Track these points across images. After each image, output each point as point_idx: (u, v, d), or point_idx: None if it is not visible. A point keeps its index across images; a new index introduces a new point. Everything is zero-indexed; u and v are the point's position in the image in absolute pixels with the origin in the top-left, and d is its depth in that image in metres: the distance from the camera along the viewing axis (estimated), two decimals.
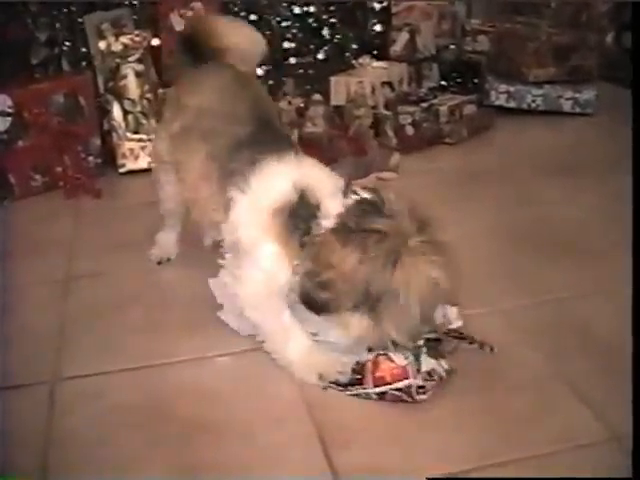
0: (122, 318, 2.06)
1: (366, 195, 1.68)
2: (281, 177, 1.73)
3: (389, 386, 1.65)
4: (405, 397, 1.64)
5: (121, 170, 3.12)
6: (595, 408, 1.65)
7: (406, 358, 1.66)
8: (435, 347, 1.71)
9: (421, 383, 1.64)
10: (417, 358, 1.66)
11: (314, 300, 1.65)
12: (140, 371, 1.84)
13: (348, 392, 1.70)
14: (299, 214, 1.69)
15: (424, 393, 1.65)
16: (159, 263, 2.33)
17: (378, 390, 1.67)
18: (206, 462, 1.54)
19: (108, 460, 1.56)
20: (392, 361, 1.66)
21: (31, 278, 2.29)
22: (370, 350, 1.71)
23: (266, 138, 1.84)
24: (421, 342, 1.68)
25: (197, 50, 2.15)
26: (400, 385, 1.64)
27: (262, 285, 1.75)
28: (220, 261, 1.88)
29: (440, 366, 1.68)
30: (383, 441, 1.59)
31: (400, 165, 3.02)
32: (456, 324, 1.84)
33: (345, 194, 1.70)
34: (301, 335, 1.78)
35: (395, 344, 1.65)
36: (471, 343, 1.82)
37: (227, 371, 1.83)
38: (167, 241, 2.36)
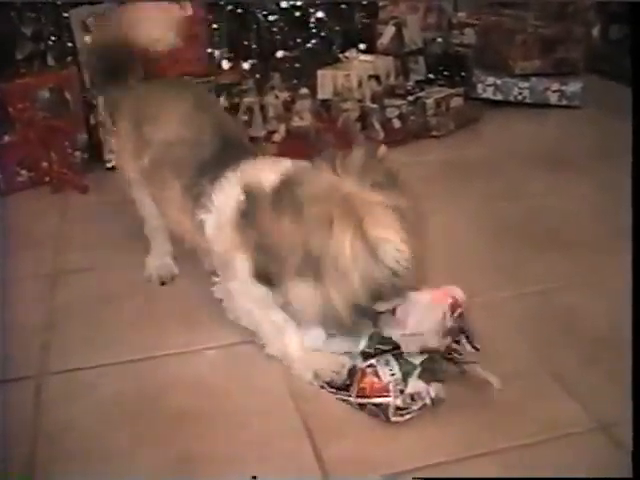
0: (110, 312, 2.07)
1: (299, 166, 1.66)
2: (233, 185, 1.75)
3: (368, 400, 1.63)
4: (381, 415, 1.61)
5: (108, 165, 3.10)
6: (580, 398, 1.67)
7: (392, 374, 1.62)
8: (432, 369, 1.64)
9: (400, 404, 1.60)
10: (405, 377, 1.62)
11: (267, 273, 1.65)
12: (129, 364, 1.84)
13: (337, 396, 1.70)
14: (248, 210, 1.69)
15: (401, 415, 1.60)
16: (163, 284, 2.22)
17: (359, 401, 1.65)
18: (195, 454, 1.55)
19: (97, 453, 1.57)
20: (377, 375, 1.64)
21: (18, 273, 2.28)
22: (363, 355, 1.69)
23: (228, 155, 1.85)
24: (417, 361, 1.64)
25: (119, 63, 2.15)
26: (378, 401, 1.62)
27: (245, 295, 1.78)
28: (214, 278, 1.89)
29: (427, 392, 1.62)
30: (370, 432, 1.60)
31: (387, 158, 3.02)
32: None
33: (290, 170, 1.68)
34: (297, 334, 1.79)
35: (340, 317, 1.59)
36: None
37: (216, 364, 1.84)
38: (163, 259, 2.28)
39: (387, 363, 1.65)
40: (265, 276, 1.67)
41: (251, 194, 1.68)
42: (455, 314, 1.62)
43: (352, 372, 1.70)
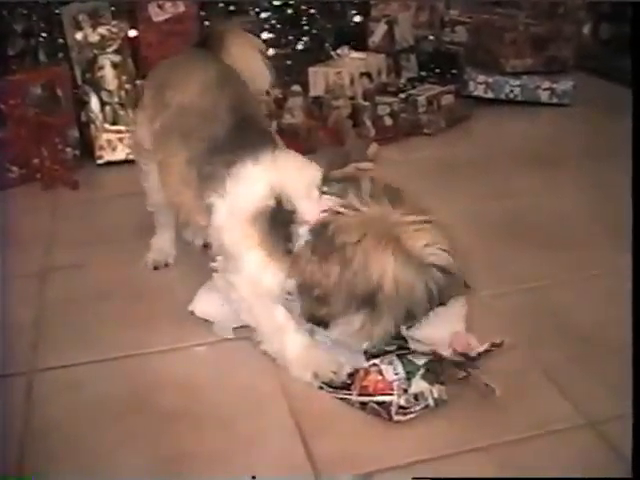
0: (100, 309, 2.06)
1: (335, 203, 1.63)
2: (256, 180, 1.71)
3: (371, 398, 1.61)
4: (384, 413, 1.59)
5: (99, 161, 3.11)
6: (570, 395, 1.67)
7: (396, 374, 1.61)
8: (435, 371, 1.63)
9: (403, 404, 1.58)
10: (409, 377, 1.61)
11: (316, 316, 1.64)
12: (118, 361, 1.84)
13: (336, 395, 1.68)
14: (278, 219, 1.67)
15: (404, 414, 1.59)
16: (155, 268, 2.26)
17: (361, 399, 1.63)
18: (185, 452, 1.54)
19: (86, 450, 1.56)
20: (381, 374, 1.62)
21: (8, 270, 2.27)
22: (366, 354, 1.68)
23: (244, 137, 1.81)
24: (421, 362, 1.63)
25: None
26: (381, 399, 1.60)
27: (250, 289, 1.74)
28: (212, 264, 1.84)
29: (430, 393, 1.61)
30: (361, 428, 1.60)
31: (378, 155, 3.03)
32: (474, 352, 1.69)
33: (321, 191, 1.67)
34: (296, 333, 1.76)
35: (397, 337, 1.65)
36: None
37: (204, 361, 1.84)
38: (163, 244, 2.30)
39: (391, 363, 1.63)
40: (315, 318, 1.66)
41: (283, 211, 1.66)
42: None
43: (354, 371, 1.68)
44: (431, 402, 1.60)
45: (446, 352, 1.64)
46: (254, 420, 1.63)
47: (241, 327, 1.87)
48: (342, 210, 1.60)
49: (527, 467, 1.48)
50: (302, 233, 1.64)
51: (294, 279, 1.65)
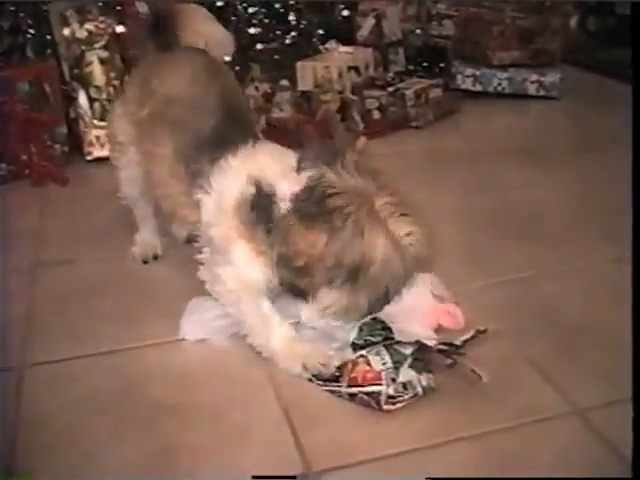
0: (90, 304, 2.06)
1: (319, 171, 1.65)
2: (236, 172, 1.73)
3: (360, 388, 1.62)
4: (373, 403, 1.60)
5: (88, 158, 3.11)
6: (557, 384, 1.68)
7: (384, 364, 1.62)
8: (422, 359, 1.65)
9: (392, 393, 1.59)
10: (397, 367, 1.61)
11: (296, 287, 1.67)
12: (108, 355, 1.85)
13: (325, 387, 1.68)
14: (259, 205, 1.69)
15: (393, 403, 1.60)
16: (145, 262, 2.28)
17: (350, 391, 1.64)
18: (175, 443, 1.55)
19: (78, 444, 1.56)
20: (369, 364, 1.63)
21: None
22: (353, 346, 1.69)
23: (228, 132, 1.82)
24: (408, 351, 1.63)
25: (163, 36, 2.14)
26: (370, 390, 1.61)
27: (237, 282, 1.75)
28: (198, 256, 1.85)
29: (419, 381, 1.62)
30: (350, 419, 1.61)
31: (366, 149, 3.04)
32: (459, 340, 1.71)
33: (298, 170, 1.68)
34: (283, 326, 1.76)
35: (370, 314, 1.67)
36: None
37: (194, 354, 1.84)
38: (147, 237, 2.32)
39: (378, 353, 1.64)
40: (295, 289, 1.68)
41: (263, 195, 1.68)
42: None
43: (342, 363, 1.69)
44: (420, 390, 1.62)
45: (431, 342, 1.66)
46: (243, 411, 1.64)
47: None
48: (327, 175, 1.62)
49: (514, 455, 1.49)
50: (282, 206, 1.65)
51: (273, 249, 1.66)
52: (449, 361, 1.67)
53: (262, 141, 1.85)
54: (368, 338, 1.68)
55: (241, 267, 1.73)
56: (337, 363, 1.69)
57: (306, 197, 1.62)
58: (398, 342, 1.66)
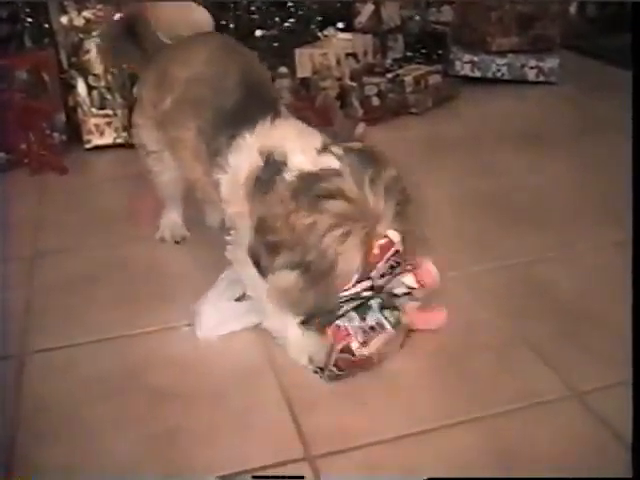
0: (90, 292, 2.06)
1: (342, 166, 1.54)
2: (251, 148, 1.67)
3: (335, 353, 1.62)
4: (349, 356, 1.60)
5: (87, 146, 3.10)
6: (555, 367, 1.69)
7: (349, 320, 1.62)
8: (389, 301, 1.65)
9: (362, 339, 1.60)
10: (364, 317, 1.62)
11: (259, 258, 1.59)
12: (109, 342, 1.85)
13: (322, 376, 1.67)
14: (264, 174, 1.62)
15: (366, 345, 1.61)
16: (177, 242, 2.29)
17: (333, 361, 1.63)
18: (177, 428, 1.55)
19: (79, 429, 1.57)
20: (338, 327, 1.63)
21: None
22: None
23: (248, 109, 1.75)
24: (374, 302, 1.64)
25: (143, 42, 2.14)
26: (341, 346, 1.61)
27: (249, 265, 1.66)
28: (226, 237, 1.80)
29: (386, 319, 1.63)
30: (349, 403, 1.61)
31: (366, 135, 3.03)
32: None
33: (321, 151, 1.59)
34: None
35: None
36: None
37: (194, 340, 1.84)
38: (175, 218, 2.33)
39: (349, 319, 1.63)
40: (258, 259, 1.60)
41: (272, 163, 1.61)
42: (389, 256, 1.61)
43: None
44: (389, 327, 1.63)
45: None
46: (244, 396, 1.64)
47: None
48: (347, 177, 1.53)
49: (514, 439, 1.49)
50: (287, 177, 1.56)
51: (259, 210, 1.59)
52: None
53: (284, 117, 1.77)
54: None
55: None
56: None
57: (313, 183, 1.53)
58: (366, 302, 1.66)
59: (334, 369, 1.65)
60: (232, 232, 1.79)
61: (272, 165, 1.60)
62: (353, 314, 1.64)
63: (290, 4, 3.59)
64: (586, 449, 1.46)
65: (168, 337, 1.84)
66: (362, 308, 1.64)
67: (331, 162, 1.55)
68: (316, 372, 1.70)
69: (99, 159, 3.04)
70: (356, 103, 3.29)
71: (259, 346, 1.78)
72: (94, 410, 1.62)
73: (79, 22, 3.06)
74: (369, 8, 3.76)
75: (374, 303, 1.65)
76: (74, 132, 3.14)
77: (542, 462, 1.44)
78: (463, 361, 1.68)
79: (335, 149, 1.58)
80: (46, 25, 3.17)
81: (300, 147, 1.61)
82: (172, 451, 1.50)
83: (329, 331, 1.65)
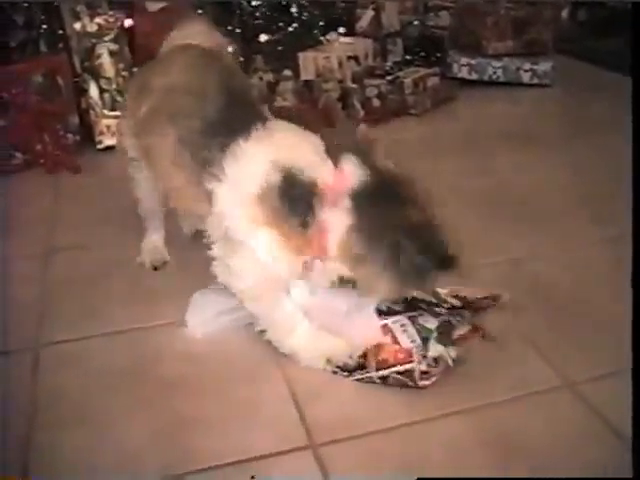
0: (102, 287, 2.06)
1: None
2: (254, 157, 1.60)
3: (392, 369, 1.58)
4: (408, 381, 1.57)
5: (99, 146, 3.10)
6: (549, 358, 1.69)
7: (412, 341, 1.58)
8: (447, 332, 1.61)
9: (425, 369, 1.56)
10: (425, 342, 1.58)
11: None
12: (120, 335, 1.85)
13: (352, 378, 1.64)
14: (292, 195, 1.56)
15: (427, 379, 1.57)
16: (155, 269, 2.15)
17: (380, 374, 1.60)
18: (185, 417, 1.56)
19: (92, 419, 1.57)
20: (398, 343, 1.59)
21: (14, 251, 2.28)
22: (378, 312, 1.64)
23: (236, 116, 1.68)
24: (433, 326, 1.60)
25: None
26: (402, 369, 1.57)
27: (260, 277, 1.65)
28: (209, 252, 1.72)
29: (448, 354, 1.58)
30: (352, 394, 1.61)
31: (367, 136, 3.02)
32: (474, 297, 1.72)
33: (334, 160, 1.59)
34: (304, 321, 1.70)
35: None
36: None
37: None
38: (156, 243, 2.19)
39: (405, 331, 1.60)
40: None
41: (299, 181, 1.56)
42: None
43: (363, 351, 1.64)
44: (450, 362, 1.59)
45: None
46: (249, 388, 1.64)
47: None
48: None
49: (508, 429, 1.49)
50: (338, 201, 1.54)
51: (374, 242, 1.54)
52: (467, 328, 1.64)
53: (272, 121, 1.71)
54: (390, 306, 1.65)
55: (265, 260, 1.61)
56: (359, 353, 1.64)
57: (379, 191, 1.55)
58: (421, 315, 1.63)
59: (374, 377, 1.61)
60: (215, 246, 1.71)
61: (298, 186, 1.56)
62: (410, 327, 1.61)
63: (293, 10, 3.59)
64: (579, 438, 1.46)
65: (177, 331, 1.84)
66: (422, 328, 1.61)
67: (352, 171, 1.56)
68: (335, 372, 1.67)
69: (111, 159, 3.03)
70: (357, 104, 3.28)
71: (263, 340, 1.77)
72: (106, 400, 1.63)
73: (91, 28, 3.06)
74: (370, 13, 3.75)
75: (433, 332, 1.60)
76: (87, 133, 3.13)
77: (536, 451, 1.44)
78: (459, 354, 1.66)
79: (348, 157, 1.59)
80: (60, 31, 3.16)
81: (314, 159, 1.59)
82: (181, 439, 1.50)
83: (380, 344, 1.62)
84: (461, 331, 1.64)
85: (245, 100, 1.79)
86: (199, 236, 1.84)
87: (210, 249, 1.72)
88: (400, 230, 1.52)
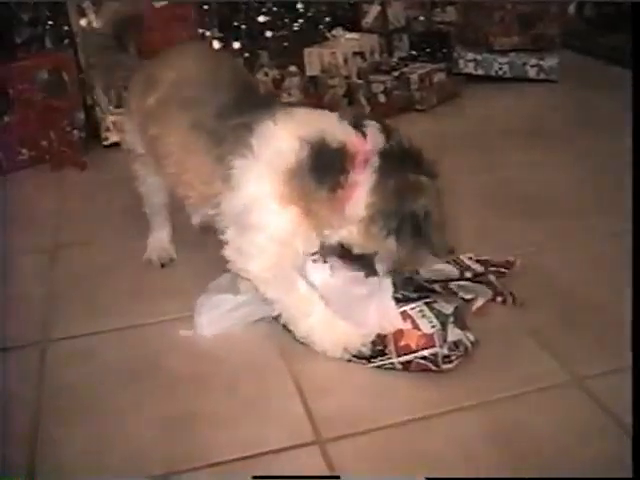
0: (108, 283, 2.07)
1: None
2: (282, 137, 1.61)
3: (414, 354, 1.58)
4: (431, 366, 1.57)
5: (105, 143, 3.10)
6: (556, 353, 1.68)
7: (433, 326, 1.58)
8: (462, 317, 1.64)
9: (447, 352, 1.57)
10: (444, 327, 1.58)
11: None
12: (127, 331, 1.85)
13: (371, 364, 1.64)
14: (324, 161, 1.58)
15: (450, 362, 1.58)
16: (162, 266, 2.14)
17: (403, 359, 1.59)
18: (192, 413, 1.56)
19: (99, 413, 1.57)
20: (418, 329, 1.59)
21: (21, 247, 2.28)
22: (395, 300, 1.64)
23: (254, 101, 1.72)
24: (449, 310, 1.61)
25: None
26: (426, 353, 1.57)
27: (276, 257, 1.64)
28: (221, 237, 1.72)
29: (466, 337, 1.60)
30: (357, 389, 1.61)
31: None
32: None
33: (358, 128, 1.64)
34: (320, 307, 1.68)
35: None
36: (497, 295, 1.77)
37: None
38: (162, 240, 2.19)
39: (424, 316, 1.60)
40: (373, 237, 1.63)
41: (329, 148, 1.59)
42: None
43: (380, 337, 1.62)
44: (469, 345, 1.60)
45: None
46: (256, 382, 1.64)
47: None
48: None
49: (516, 424, 1.48)
50: (369, 159, 1.60)
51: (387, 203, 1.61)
52: (489, 293, 1.71)
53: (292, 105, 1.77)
54: (405, 293, 1.65)
55: (284, 238, 1.62)
56: (372, 338, 1.63)
57: (402, 152, 1.65)
58: (435, 301, 1.64)
59: (395, 363, 1.61)
60: (230, 230, 1.70)
61: (329, 152, 1.60)
62: (428, 312, 1.61)
63: (299, 6, 3.58)
64: (587, 433, 1.45)
65: (183, 325, 1.83)
66: (440, 314, 1.61)
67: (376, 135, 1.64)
68: (350, 360, 1.66)
69: (117, 155, 3.01)
70: (363, 100, 3.28)
71: (271, 335, 1.77)
72: (114, 395, 1.63)
73: (97, 24, 3.05)
74: (375, 9, 3.75)
75: (450, 317, 1.61)
76: (93, 129, 3.14)
77: (543, 447, 1.43)
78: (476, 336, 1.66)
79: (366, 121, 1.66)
80: (66, 27, 3.16)
81: (339, 128, 1.64)
82: (188, 434, 1.50)
83: (401, 330, 1.61)
84: (479, 303, 1.67)
85: (256, 89, 1.85)
86: (207, 229, 1.85)
87: (222, 234, 1.72)
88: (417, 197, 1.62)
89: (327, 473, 1.39)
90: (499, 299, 1.78)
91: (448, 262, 1.68)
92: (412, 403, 1.55)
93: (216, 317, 1.81)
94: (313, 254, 1.72)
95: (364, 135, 1.63)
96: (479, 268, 1.69)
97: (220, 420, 1.53)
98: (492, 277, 1.72)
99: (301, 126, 1.63)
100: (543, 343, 1.71)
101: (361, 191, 1.60)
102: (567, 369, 1.63)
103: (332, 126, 1.64)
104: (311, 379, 1.64)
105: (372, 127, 1.65)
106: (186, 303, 1.88)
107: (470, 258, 1.83)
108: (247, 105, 1.70)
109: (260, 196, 1.62)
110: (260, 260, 1.66)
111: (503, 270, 1.82)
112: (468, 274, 1.68)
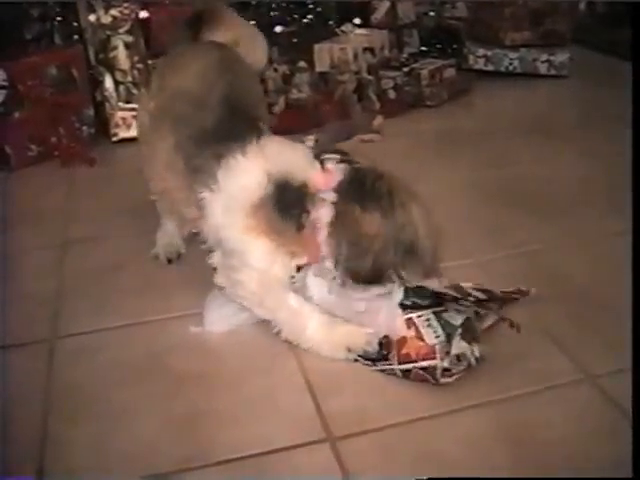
0: (117, 279, 2.06)
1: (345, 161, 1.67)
2: (248, 170, 1.64)
3: (414, 364, 1.56)
4: (429, 378, 1.55)
5: (114, 139, 3.09)
6: (568, 351, 1.66)
7: (437, 337, 1.55)
8: (472, 329, 1.59)
9: (447, 366, 1.54)
10: (449, 339, 1.55)
11: (366, 275, 1.59)
12: (135, 327, 1.84)
13: (374, 367, 1.62)
14: (286, 200, 1.62)
15: (449, 376, 1.55)
16: (169, 262, 2.13)
17: (403, 367, 1.58)
18: (200, 410, 1.54)
19: (106, 410, 1.56)
20: (421, 339, 1.57)
21: (30, 244, 2.28)
22: (402, 307, 1.62)
23: (230, 127, 1.71)
24: (458, 322, 1.58)
25: (198, 35, 2.08)
26: (425, 364, 1.55)
27: (260, 283, 1.67)
28: (210, 262, 1.76)
29: (472, 352, 1.57)
30: (368, 386, 1.59)
31: (383, 127, 3.02)
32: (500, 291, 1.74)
33: (320, 162, 1.67)
34: (316, 313, 1.69)
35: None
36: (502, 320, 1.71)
37: None
38: (171, 235, 2.16)
39: (429, 325, 1.58)
40: (364, 275, 1.60)
41: (292, 186, 1.62)
42: None
43: (386, 341, 1.61)
44: (473, 361, 1.57)
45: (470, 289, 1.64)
46: (265, 379, 1.62)
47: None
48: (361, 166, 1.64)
49: (528, 422, 1.47)
50: (326, 196, 1.60)
51: (337, 238, 1.60)
52: (494, 318, 1.66)
53: (267, 136, 1.73)
54: (415, 300, 1.62)
55: (262, 267, 1.65)
56: (378, 339, 1.62)
57: (358, 185, 1.61)
58: (445, 310, 1.60)
59: (396, 370, 1.60)
60: (215, 254, 1.76)
61: (292, 191, 1.62)
62: (434, 322, 1.58)
63: (309, 1, 3.57)
64: (599, 431, 1.44)
65: (191, 322, 1.82)
66: (447, 324, 1.58)
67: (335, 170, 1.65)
68: (356, 360, 1.65)
69: (126, 151, 3.02)
70: (373, 96, 3.26)
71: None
72: (121, 392, 1.61)
73: (106, 20, 3.05)
74: (385, 4, 3.73)
75: (458, 329, 1.57)
76: (102, 125, 3.14)
77: (555, 445, 1.41)
78: (482, 351, 1.64)
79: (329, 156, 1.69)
80: (75, 23, 3.16)
81: (306, 165, 1.66)
82: (196, 432, 1.49)
83: (404, 337, 1.59)
84: (489, 321, 1.65)
85: (245, 112, 1.80)
86: (194, 239, 1.90)
87: (209, 257, 1.78)
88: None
89: (338, 471, 1.37)
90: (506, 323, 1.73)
91: (447, 288, 1.65)
92: (424, 401, 1.54)
93: (226, 313, 1.80)
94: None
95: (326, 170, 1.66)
96: (481, 296, 1.66)
97: (230, 417, 1.52)
98: (494, 305, 1.69)
99: (268, 161, 1.64)
100: (555, 341, 1.70)
101: (322, 228, 1.62)
102: (580, 367, 1.61)
103: (298, 162, 1.66)
104: (321, 376, 1.63)
105: (331, 161, 1.67)
106: (194, 300, 1.87)
107: (474, 289, 1.77)
108: (226, 131, 1.71)
109: (230, 227, 1.66)
110: (246, 284, 1.69)
111: (515, 297, 1.79)
112: (471, 299, 1.66)
